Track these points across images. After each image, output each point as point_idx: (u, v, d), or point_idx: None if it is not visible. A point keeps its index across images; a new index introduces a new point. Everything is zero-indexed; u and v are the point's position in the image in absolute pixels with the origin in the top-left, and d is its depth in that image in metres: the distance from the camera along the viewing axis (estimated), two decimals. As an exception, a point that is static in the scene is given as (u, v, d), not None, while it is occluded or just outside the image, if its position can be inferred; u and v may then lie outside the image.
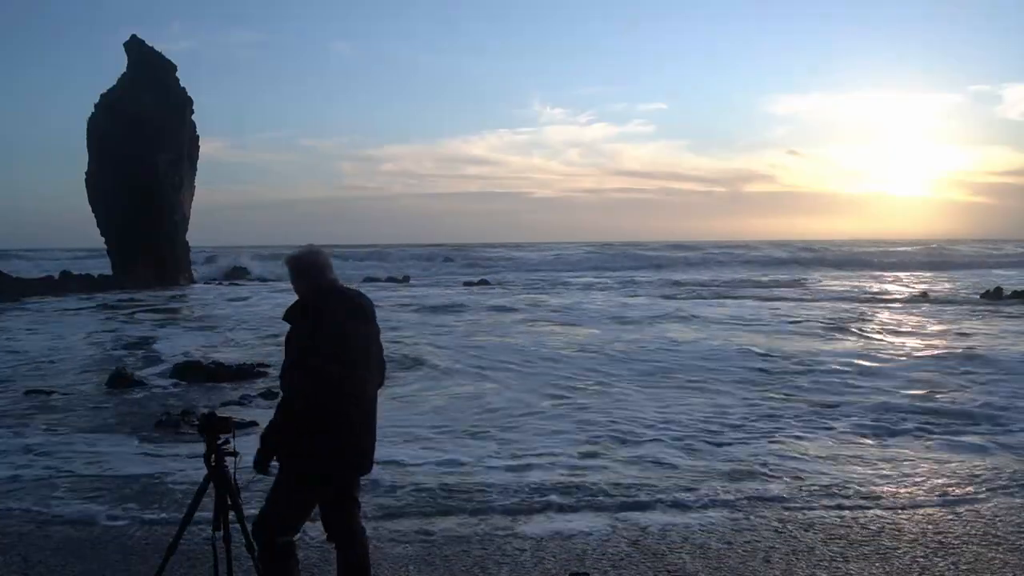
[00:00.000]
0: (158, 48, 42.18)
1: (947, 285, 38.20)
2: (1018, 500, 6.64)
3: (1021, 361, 13.80)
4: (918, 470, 7.54)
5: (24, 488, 7.17)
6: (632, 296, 31.76)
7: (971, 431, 9.12)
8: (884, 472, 7.48)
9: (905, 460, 7.92)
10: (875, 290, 35.60)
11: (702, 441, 8.69)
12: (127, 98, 39.50)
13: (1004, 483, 7.09)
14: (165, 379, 13.07)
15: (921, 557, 5.36)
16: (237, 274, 48.80)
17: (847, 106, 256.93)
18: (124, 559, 5.46)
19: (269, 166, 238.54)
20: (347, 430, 3.87)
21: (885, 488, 6.98)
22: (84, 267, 42.87)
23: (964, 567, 5.19)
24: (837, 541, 5.68)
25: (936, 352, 15.19)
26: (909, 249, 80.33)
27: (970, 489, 6.94)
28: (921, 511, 6.37)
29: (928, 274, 49.33)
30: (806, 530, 5.93)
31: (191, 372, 13.19)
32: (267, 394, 11.36)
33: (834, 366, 13.54)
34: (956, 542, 5.64)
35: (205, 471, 4.04)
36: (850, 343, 16.94)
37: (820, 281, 42.95)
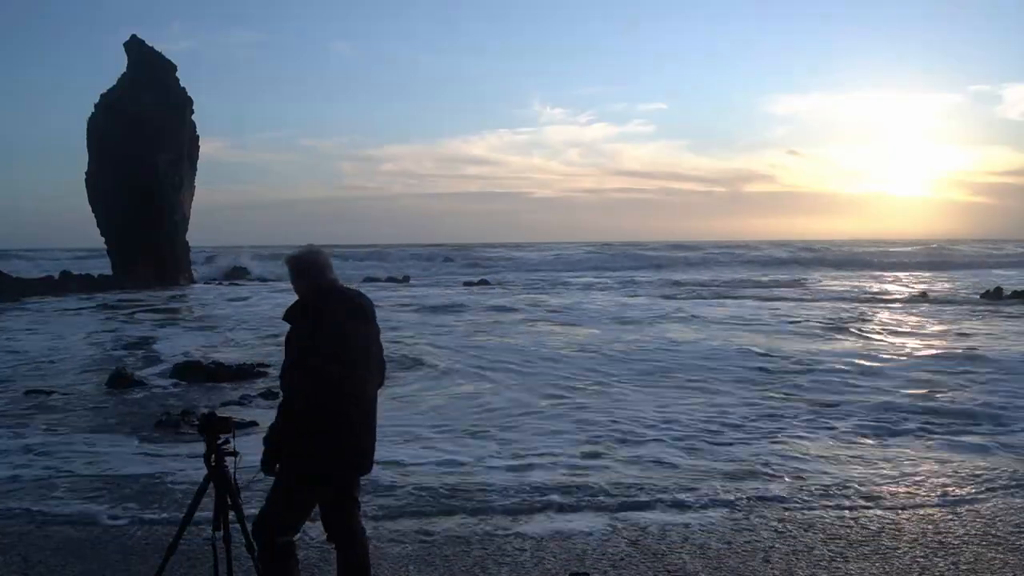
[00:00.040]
0: (158, 48, 42.27)
1: (947, 285, 38.20)
2: (1018, 500, 6.64)
3: (1021, 361, 13.79)
4: (918, 470, 7.54)
5: (24, 488, 7.17)
6: (632, 296, 31.77)
7: (971, 431, 9.12)
8: (884, 472, 7.48)
9: (905, 460, 7.92)
10: (875, 290, 35.60)
11: (702, 441, 8.69)
12: (127, 98, 39.50)
13: (1004, 483, 7.09)
14: (165, 379, 13.07)
15: (921, 557, 5.36)
16: (237, 274, 48.80)
17: (847, 106, 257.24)
18: (124, 559, 5.46)
19: (269, 166, 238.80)
20: (347, 430, 3.87)
21: (885, 488, 6.98)
22: (84, 267, 42.86)
23: (964, 567, 5.19)
24: (837, 541, 5.68)
25: (936, 352, 15.19)
26: (909, 249, 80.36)
27: (970, 489, 6.94)
28: (921, 511, 6.37)
29: (928, 274, 49.32)
30: (806, 530, 5.93)
31: (191, 372, 13.19)
32: (267, 394, 11.36)
33: (834, 366, 13.54)
34: (956, 542, 5.64)
35: (205, 471, 4.04)
36: (850, 343, 16.94)
37: (820, 281, 42.96)
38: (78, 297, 32.28)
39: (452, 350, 15.84)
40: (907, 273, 50.99)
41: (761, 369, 13.39)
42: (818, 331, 18.82)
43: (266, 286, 39.84)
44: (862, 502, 6.59)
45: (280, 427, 3.84)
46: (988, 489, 6.92)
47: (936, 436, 8.88)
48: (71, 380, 13.19)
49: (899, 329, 19.63)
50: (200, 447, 4.23)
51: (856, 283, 40.86)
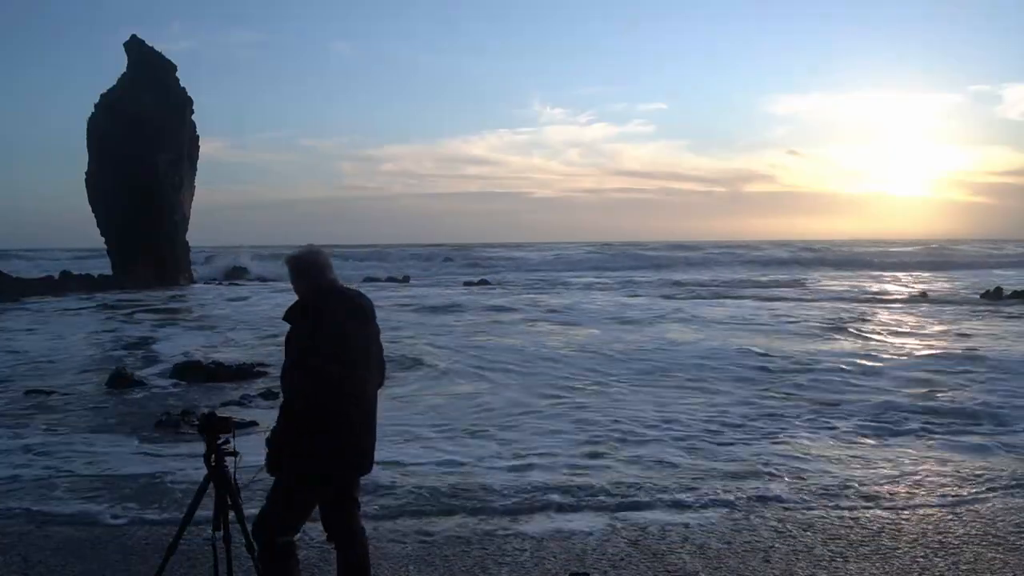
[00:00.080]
0: (158, 48, 42.26)
1: (947, 285, 38.20)
2: (1018, 500, 6.64)
3: (1021, 361, 13.80)
4: (918, 470, 7.54)
5: (24, 488, 7.17)
6: (632, 296, 31.76)
7: (971, 431, 9.12)
8: (884, 472, 7.48)
9: (905, 460, 7.92)
10: (875, 290, 35.60)
11: (702, 441, 8.69)
12: (127, 98, 39.50)
13: (1004, 483, 7.09)
14: (165, 379, 13.07)
15: (921, 557, 5.36)
16: (237, 274, 48.80)
17: (847, 106, 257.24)
18: (124, 559, 5.46)
19: (269, 166, 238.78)
20: (347, 430, 3.87)
21: (885, 488, 6.98)
22: (84, 267, 42.87)
23: (964, 567, 5.19)
24: (837, 541, 5.68)
25: (936, 352, 15.19)
26: (909, 249, 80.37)
27: (970, 489, 6.94)
28: (921, 511, 6.37)
29: (928, 274, 49.32)
30: (806, 530, 5.93)
31: (191, 372, 13.19)
32: (267, 394, 11.36)
33: (834, 366, 13.53)
34: (956, 542, 5.64)
35: (205, 471, 4.04)
36: (850, 343, 16.94)
37: (820, 281, 42.96)
38: (78, 297, 32.29)
39: (452, 350, 15.84)
40: (907, 273, 50.99)
41: (761, 369, 13.39)
42: (818, 331, 18.82)
43: (266, 286, 39.85)
44: (862, 502, 6.59)
45: (281, 428, 3.85)
46: (988, 489, 6.93)
47: (936, 436, 8.89)
48: (71, 380, 13.19)
49: (899, 329, 19.63)
50: (200, 447, 4.23)
51: (856, 283, 40.86)
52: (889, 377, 12.56)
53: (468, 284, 41.72)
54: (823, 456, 8.06)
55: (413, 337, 17.64)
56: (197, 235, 44.19)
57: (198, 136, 43.19)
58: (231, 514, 4.04)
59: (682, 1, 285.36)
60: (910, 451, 8.29)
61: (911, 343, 16.77)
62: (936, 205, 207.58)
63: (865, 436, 8.94)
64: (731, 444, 8.57)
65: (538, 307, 26.02)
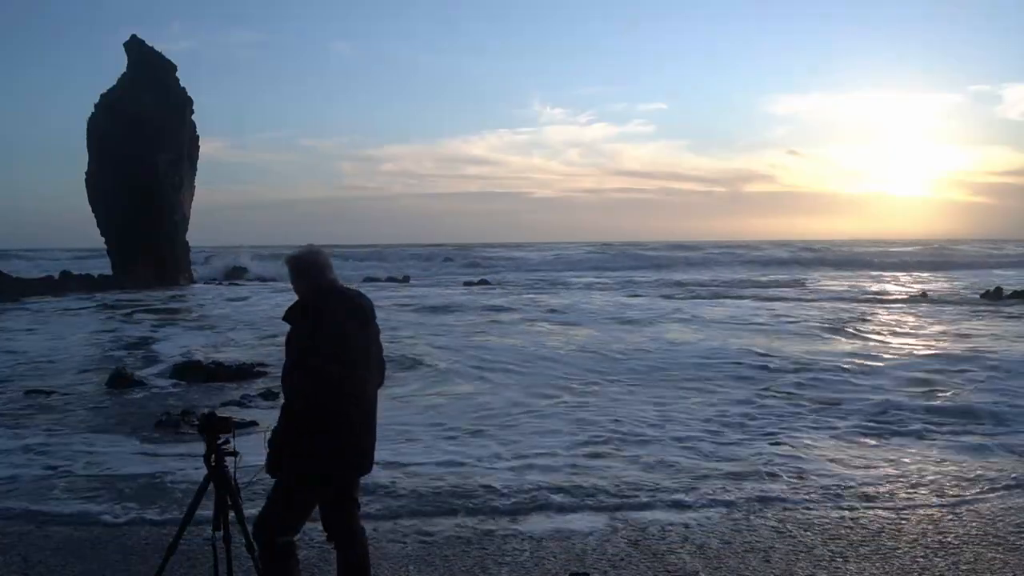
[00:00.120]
0: (158, 48, 42.25)
1: (947, 285, 38.20)
2: (1018, 500, 6.63)
3: (1021, 361, 13.79)
4: (918, 470, 7.54)
5: (24, 488, 7.17)
6: (632, 296, 31.75)
7: (971, 431, 9.12)
8: (884, 472, 7.48)
9: (905, 460, 7.92)
10: (875, 290, 35.60)
11: (702, 441, 8.69)
12: (127, 98, 39.49)
13: (1004, 483, 7.08)
14: (165, 379, 13.07)
15: (921, 557, 5.36)
16: (237, 274, 48.79)
17: (847, 106, 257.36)
18: (124, 559, 5.46)
19: (269, 166, 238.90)
20: (347, 430, 3.87)
21: (885, 488, 6.98)
22: (84, 267, 42.87)
23: (964, 567, 5.19)
24: (837, 541, 5.68)
25: (936, 352, 15.19)
26: (909, 249, 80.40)
27: (970, 489, 6.94)
28: (921, 511, 6.37)
29: (928, 274, 49.33)
30: (806, 530, 5.93)
31: (191, 372, 13.19)
32: (267, 394, 11.36)
33: (834, 366, 13.53)
34: (956, 542, 5.64)
35: (205, 471, 4.04)
36: (850, 343, 16.93)
37: (820, 281, 42.95)
38: (78, 297, 32.29)
39: (452, 350, 15.84)
40: (907, 273, 50.99)
41: (761, 368, 13.39)
42: (818, 331, 18.82)
43: (266, 286, 39.86)
44: (862, 502, 6.59)
45: (282, 428, 3.85)
46: (988, 489, 6.92)
47: (936, 436, 8.88)
48: (71, 380, 13.19)
49: (899, 329, 19.63)
50: (200, 447, 4.23)
51: (856, 283, 40.86)
52: (889, 377, 12.55)
53: (468, 284, 41.71)
54: (823, 456, 8.06)
55: (413, 337, 17.63)
56: (197, 235, 44.27)
57: (198, 136, 43.19)
58: (231, 514, 4.04)
59: (682, 1, 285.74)
60: (910, 451, 8.29)
61: (911, 343, 16.77)
62: (936, 205, 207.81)
63: (865, 436, 8.94)
64: (731, 444, 8.57)
65: (538, 307, 26.02)
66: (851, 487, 6.97)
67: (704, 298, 30.61)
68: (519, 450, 8.32)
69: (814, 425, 9.44)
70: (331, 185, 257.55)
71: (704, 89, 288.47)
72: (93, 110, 40.41)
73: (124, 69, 41.51)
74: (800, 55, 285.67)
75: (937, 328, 19.50)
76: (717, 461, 7.88)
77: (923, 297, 30.28)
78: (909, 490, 6.93)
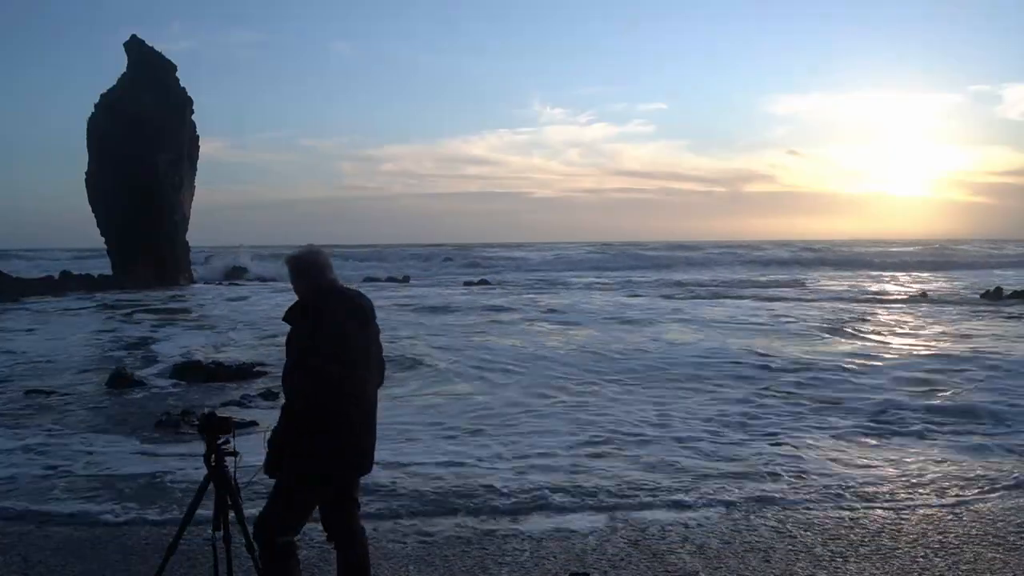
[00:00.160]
0: (158, 48, 42.26)
1: (947, 285, 38.19)
2: (1018, 500, 6.63)
3: (1021, 361, 13.79)
4: (918, 470, 7.53)
5: (24, 488, 7.17)
6: (632, 296, 31.75)
7: (972, 431, 9.12)
8: (884, 472, 7.48)
9: (905, 460, 7.92)
10: (875, 290, 35.60)
11: (702, 441, 8.68)
12: (127, 98, 39.49)
13: (1004, 483, 7.08)
14: (165, 379, 13.07)
15: (921, 557, 5.36)
16: (237, 274, 48.79)
17: (847, 106, 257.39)
18: (124, 559, 5.46)
19: (269, 166, 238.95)
20: (347, 430, 3.87)
21: (885, 488, 6.98)
22: (84, 267, 42.88)
23: (964, 567, 5.19)
24: (837, 541, 5.68)
25: (936, 352, 15.19)
26: (909, 249, 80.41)
27: (970, 489, 6.93)
28: (921, 511, 6.37)
29: (928, 274, 49.32)
30: (806, 530, 5.93)
31: (191, 372, 13.19)
32: (267, 394, 11.36)
33: (834, 366, 13.52)
34: (956, 542, 5.64)
35: (205, 471, 4.04)
36: (850, 343, 16.93)
37: (820, 281, 42.95)
38: (78, 297, 32.30)
39: (452, 350, 15.84)
40: (907, 273, 50.98)
41: (761, 368, 13.39)
42: (818, 331, 18.81)
43: (266, 286, 39.86)
44: (862, 502, 6.59)
45: (282, 428, 3.85)
46: (988, 489, 6.92)
47: (937, 436, 8.89)
48: (71, 380, 13.19)
49: (899, 329, 19.62)
50: (200, 447, 4.23)
51: (856, 283, 40.87)
52: (889, 377, 12.55)
53: (468, 284, 41.71)
54: (823, 456, 8.06)
55: (413, 337, 17.63)
56: (197, 235, 44.27)
57: (198, 136, 43.19)
58: (231, 514, 4.04)
59: (682, 1, 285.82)
60: (910, 451, 8.29)
61: (911, 343, 16.76)
62: (936, 205, 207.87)
63: (865, 436, 8.94)
64: (731, 444, 8.56)
65: (538, 307, 26.02)
66: (851, 487, 6.97)
67: (704, 298, 30.61)
68: (519, 450, 8.32)
69: (814, 425, 9.44)
70: (331, 185, 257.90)
71: (704, 89, 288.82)
72: (93, 110, 40.42)
73: (124, 69, 41.52)
74: (800, 55, 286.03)
75: (937, 328, 19.50)
76: (717, 461, 7.88)
77: (923, 297, 30.27)
78: (909, 490, 6.93)
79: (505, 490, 6.89)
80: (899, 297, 31.38)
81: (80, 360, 15.67)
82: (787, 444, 8.55)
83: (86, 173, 40.05)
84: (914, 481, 7.18)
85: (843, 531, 5.90)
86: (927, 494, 6.81)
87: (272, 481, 3.96)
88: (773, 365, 13.66)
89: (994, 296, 28.26)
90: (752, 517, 6.23)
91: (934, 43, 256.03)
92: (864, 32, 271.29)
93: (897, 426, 9.35)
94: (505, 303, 27.64)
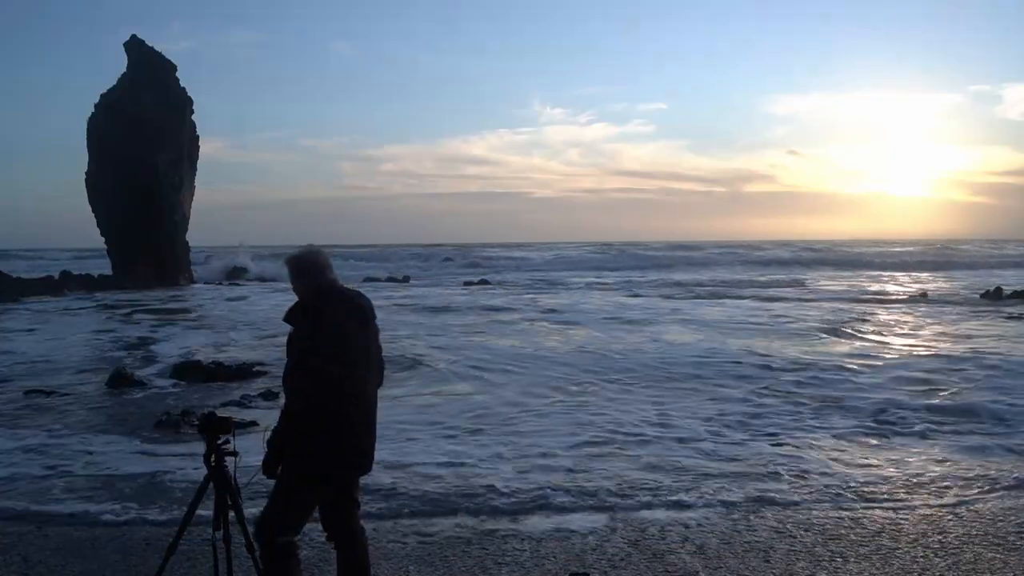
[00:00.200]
0: (158, 48, 42.24)
1: (947, 285, 38.19)
2: (1018, 500, 6.63)
3: (1021, 361, 13.79)
4: (918, 470, 7.53)
5: (24, 488, 7.17)
6: (632, 296, 31.75)
7: (972, 431, 9.12)
8: (884, 472, 7.48)
9: (906, 460, 7.91)
10: (875, 290, 35.60)
11: (702, 440, 8.68)
12: (127, 98, 39.48)
13: (1004, 483, 7.08)
14: (165, 379, 13.07)
15: (921, 557, 5.36)
16: (236, 274, 48.77)
17: (847, 106, 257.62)
18: (124, 559, 5.46)
19: (269, 166, 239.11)
20: (347, 430, 3.86)
21: (885, 488, 6.98)
22: (84, 267, 42.89)
23: (964, 567, 5.19)
24: (837, 541, 5.68)
25: (936, 352, 15.18)
26: (909, 249, 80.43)
27: (970, 489, 6.93)
28: (921, 511, 6.37)
29: (928, 274, 49.33)
30: (806, 530, 5.92)
31: (191, 372, 13.18)
32: (267, 394, 11.36)
33: (834, 366, 13.53)
34: (956, 542, 5.64)
35: (205, 471, 4.04)
36: (850, 343, 16.93)
37: (819, 281, 42.94)
38: (78, 297, 32.30)
39: (451, 350, 15.84)
40: (907, 273, 50.98)
41: (761, 368, 13.38)
42: (818, 331, 18.81)
43: (266, 286, 39.85)
44: (862, 502, 6.59)
45: (282, 429, 3.85)
46: (988, 489, 6.92)
47: (937, 436, 8.88)
48: (71, 380, 13.19)
49: (899, 329, 19.63)
50: (200, 447, 4.23)
51: (856, 283, 40.86)
52: (889, 377, 12.54)
53: (468, 284, 41.70)
54: (823, 456, 8.06)
55: (412, 337, 17.63)
56: (197, 235, 44.26)
57: (198, 136, 43.18)
58: (231, 514, 4.04)
59: (682, 1, 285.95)
60: (910, 451, 8.28)
61: (911, 343, 16.76)
62: (936, 205, 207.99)
63: (865, 436, 8.94)
64: (731, 444, 8.56)
65: (538, 307, 26.02)
66: (851, 487, 6.97)
67: (704, 298, 30.61)
68: (519, 450, 8.31)
69: (814, 425, 9.44)
70: (331, 185, 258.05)
71: (704, 89, 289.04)
72: (93, 110, 40.41)
73: (124, 69, 41.51)
74: (800, 55, 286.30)
75: (937, 328, 19.50)
76: (717, 461, 7.88)
77: (923, 297, 30.27)
78: (909, 490, 6.93)
79: (505, 490, 6.89)
80: (899, 297, 31.37)
81: (80, 360, 15.66)
82: (787, 444, 8.56)
83: (86, 173, 40.05)
84: (914, 481, 7.18)
85: (843, 531, 5.90)
86: (927, 494, 6.81)
87: (272, 481, 3.96)
88: (773, 365, 13.66)
89: (994, 296, 28.26)
90: (752, 517, 6.23)
91: (934, 43, 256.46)
92: (864, 32, 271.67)
93: (897, 426, 9.35)
94: (505, 303, 27.64)
